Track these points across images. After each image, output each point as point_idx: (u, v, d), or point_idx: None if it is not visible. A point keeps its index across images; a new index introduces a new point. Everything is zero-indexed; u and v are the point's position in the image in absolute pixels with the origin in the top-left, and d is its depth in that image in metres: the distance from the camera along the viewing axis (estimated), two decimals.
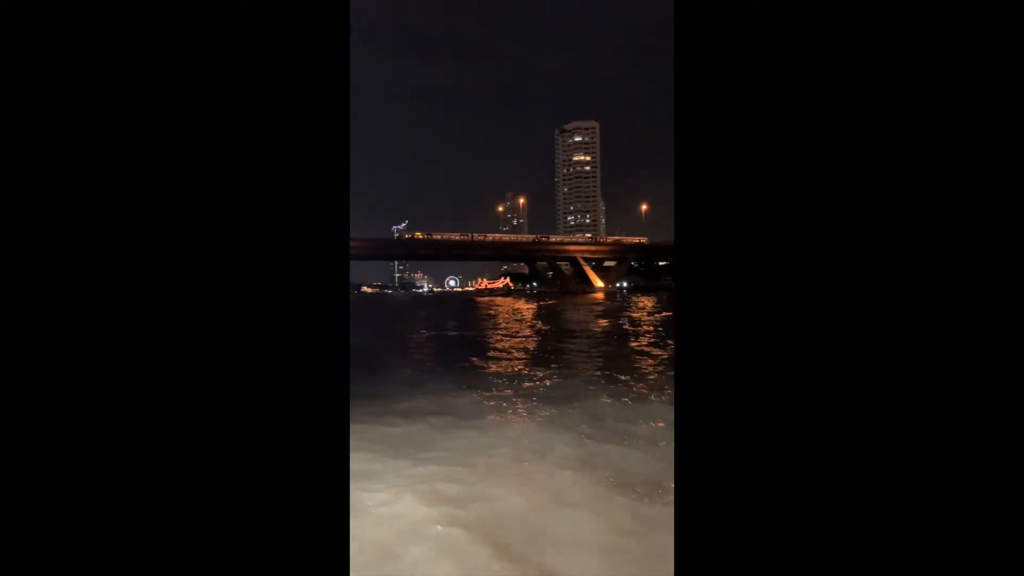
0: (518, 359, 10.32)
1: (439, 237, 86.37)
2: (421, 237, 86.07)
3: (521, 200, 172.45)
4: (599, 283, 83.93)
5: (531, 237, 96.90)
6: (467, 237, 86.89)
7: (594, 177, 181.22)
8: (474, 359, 10.23)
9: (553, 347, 12.07)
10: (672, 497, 1.95)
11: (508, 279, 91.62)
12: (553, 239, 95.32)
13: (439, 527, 3.01)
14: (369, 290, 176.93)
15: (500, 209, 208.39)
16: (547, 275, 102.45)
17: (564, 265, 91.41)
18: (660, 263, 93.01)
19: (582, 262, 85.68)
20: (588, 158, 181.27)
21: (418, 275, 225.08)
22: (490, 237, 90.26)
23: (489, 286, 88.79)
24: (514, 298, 62.65)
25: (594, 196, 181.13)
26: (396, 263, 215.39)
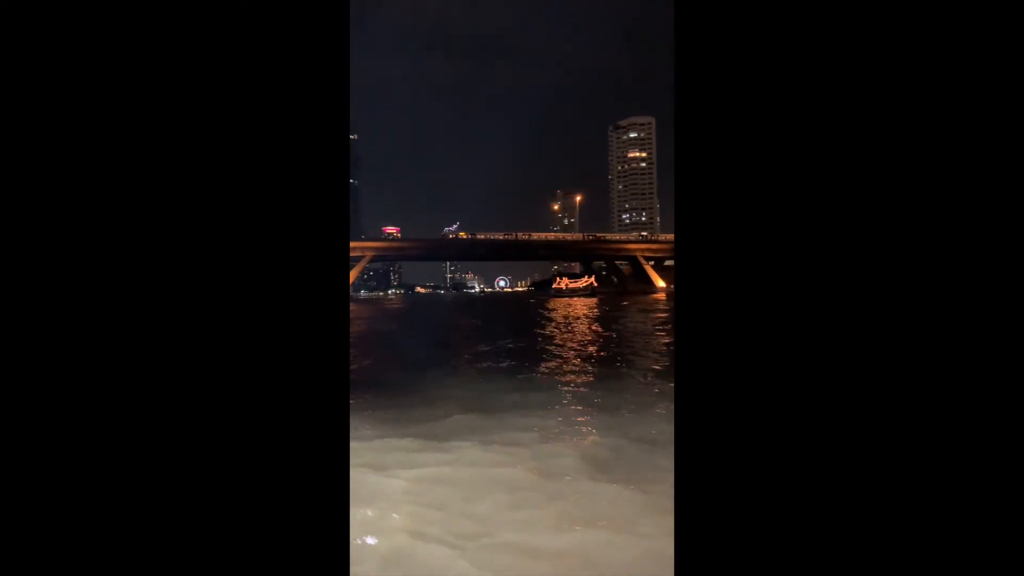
0: None
1: (483, 237, 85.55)
2: (465, 237, 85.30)
3: (578, 198, 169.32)
4: (660, 283, 79.70)
5: (579, 236, 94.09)
6: (511, 236, 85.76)
7: (650, 174, 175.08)
8: None
9: None
10: None
11: (592, 278, 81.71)
12: (606, 236, 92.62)
13: None
14: (423, 290, 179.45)
15: (555, 208, 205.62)
16: (602, 274, 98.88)
17: (623, 264, 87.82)
18: None
19: (642, 261, 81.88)
20: (644, 154, 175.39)
21: (469, 276, 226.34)
22: (535, 236, 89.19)
23: (571, 286, 80.00)
24: (579, 299, 58.60)
25: (650, 193, 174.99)
26: (448, 264, 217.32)
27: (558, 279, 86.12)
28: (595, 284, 78.77)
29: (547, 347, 11.97)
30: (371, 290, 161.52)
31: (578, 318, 22.22)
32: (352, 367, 9.59)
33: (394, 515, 3.00)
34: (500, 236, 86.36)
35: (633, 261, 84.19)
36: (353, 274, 78.34)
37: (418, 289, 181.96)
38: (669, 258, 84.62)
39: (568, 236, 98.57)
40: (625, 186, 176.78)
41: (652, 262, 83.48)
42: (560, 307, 33.41)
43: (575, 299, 56.36)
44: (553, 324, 19.07)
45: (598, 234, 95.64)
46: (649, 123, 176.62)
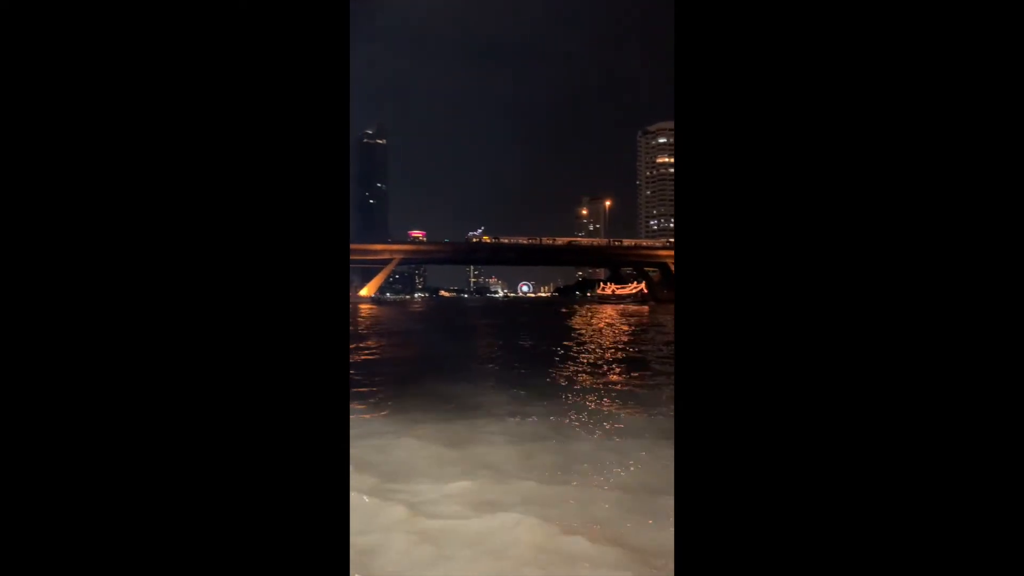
0: None
1: (508, 241, 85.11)
2: (489, 241, 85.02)
3: (607, 203, 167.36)
4: None
5: (606, 241, 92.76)
6: (536, 241, 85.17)
7: None
8: None
9: None
10: None
11: (643, 284, 72.85)
12: (635, 243, 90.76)
13: None
14: (447, 294, 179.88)
15: (584, 212, 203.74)
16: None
17: (652, 271, 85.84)
18: None
19: (672, 268, 79.66)
20: (673, 160, 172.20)
21: (492, 280, 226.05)
22: (559, 240, 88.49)
23: (618, 292, 72.51)
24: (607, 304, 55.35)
25: None
26: (472, 268, 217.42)
27: (602, 284, 79.67)
28: (645, 291, 71.35)
29: None
30: (396, 293, 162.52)
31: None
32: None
33: None
34: (524, 241, 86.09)
35: (663, 268, 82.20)
36: (382, 276, 78.48)
37: (442, 293, 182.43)
38: None
39: (596, 241, 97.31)
40: (653, 192, 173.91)
41: None
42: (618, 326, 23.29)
43: (606, 306, 52.91)
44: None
45: (626, 240, 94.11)
46: None
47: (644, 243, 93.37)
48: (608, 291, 73.67)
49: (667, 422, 5.35)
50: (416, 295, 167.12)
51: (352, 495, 2.69)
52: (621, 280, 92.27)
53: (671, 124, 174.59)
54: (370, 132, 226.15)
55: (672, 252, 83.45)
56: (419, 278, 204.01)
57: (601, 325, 23.69)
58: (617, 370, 9.67)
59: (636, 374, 9.18)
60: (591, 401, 6.71)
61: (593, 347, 13.92)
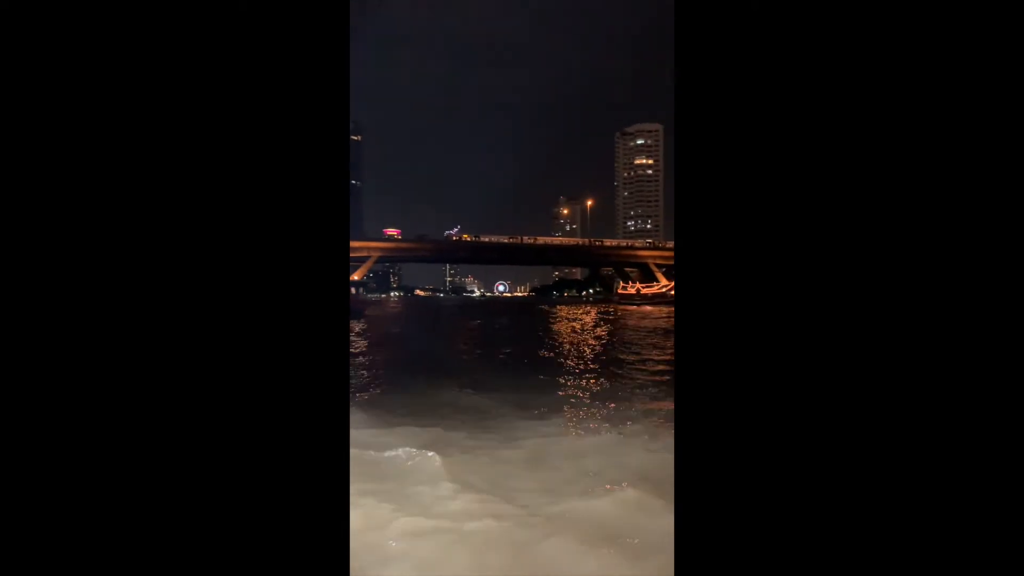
0: None
1: (487, 240, 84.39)
2: (469, 239, 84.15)
3: (589, 202, 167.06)
4: (671, 292, 77.50)
5: (587, 241, 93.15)
6: (516, 240, 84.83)
7: (656, 181, 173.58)
8: None
9: None
10: None
11: (672, 284, 67.70)
12: (617, 243, 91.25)
13: None
14: (423, 293, 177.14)
15: (565, 212, 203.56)
16: (608, 282, 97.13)
17: (632, 272, 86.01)
18: None
19: (654, 268, 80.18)
20: (651, 161, 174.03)
21: (469, 279, 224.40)
22: (540, 240, 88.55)
23: (644, 290, 66.86)
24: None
25: (656, 201, 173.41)
26: (448, 267, 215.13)
27: (623, 284, 72.58)
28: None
29: None
30: (371, 292, 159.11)
31: None
32: None
33: None
34: (505, 239, 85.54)
35: (644, 268, 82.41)
36: (360, 273, 76.28)
37: (418, 292, 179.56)
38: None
39: (579, 241, 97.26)
40: (631, 192, 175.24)
41: (664, 270, 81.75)
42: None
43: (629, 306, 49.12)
44: None
45: (607, 240, 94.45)
46: (656, 130, 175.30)
47: (627, 243, 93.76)
48: (632, 290, 66.64)
49: None
50: (392, 294, 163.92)
51: None
52: (603, 279, 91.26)
53: (649, 126, 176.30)
54: None
55: (653, 253, 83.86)
56: (394, 277, 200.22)
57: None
58: None
59: None
60: None
61: None
